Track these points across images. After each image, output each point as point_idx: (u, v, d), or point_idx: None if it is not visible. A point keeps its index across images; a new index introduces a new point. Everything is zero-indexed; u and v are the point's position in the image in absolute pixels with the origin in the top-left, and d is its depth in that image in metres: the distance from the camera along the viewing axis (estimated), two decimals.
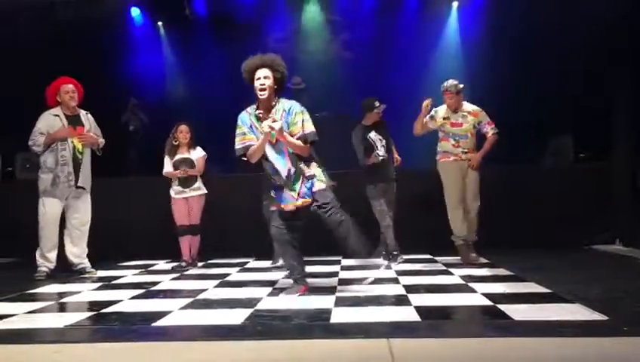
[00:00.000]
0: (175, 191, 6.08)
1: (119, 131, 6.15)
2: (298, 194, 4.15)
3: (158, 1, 9.05)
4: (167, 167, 6.13)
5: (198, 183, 6.13)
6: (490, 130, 5.79)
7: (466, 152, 5.78)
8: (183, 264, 6.05)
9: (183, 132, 6.12)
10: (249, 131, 4.20)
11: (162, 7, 9.18)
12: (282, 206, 4.21)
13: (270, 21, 9.27)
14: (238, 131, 4.23)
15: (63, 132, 5.55)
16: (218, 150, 6.90)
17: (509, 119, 8.06)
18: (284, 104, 4.18)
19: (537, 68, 7.94)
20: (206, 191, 6.19)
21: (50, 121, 5.58)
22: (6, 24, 7.66)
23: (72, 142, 5.58)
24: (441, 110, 5.85)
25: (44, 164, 5.57)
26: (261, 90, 4.07)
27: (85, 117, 5.75)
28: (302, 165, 4.17)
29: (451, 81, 5.77)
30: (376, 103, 6.01)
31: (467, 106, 5.85)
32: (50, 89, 5.68)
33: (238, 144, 4.23)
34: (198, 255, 6.27)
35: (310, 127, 4.14)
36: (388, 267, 5.65)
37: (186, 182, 6.07)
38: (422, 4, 8.94)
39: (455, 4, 9.08)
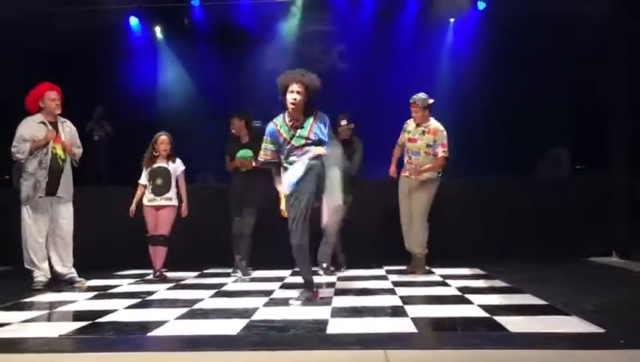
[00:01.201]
0: (147, 198, 5.96)
1: (117, 138, 6.13)
2: None
3: (156, 10, 9.08)
4: (144, 178, 6.01)
5: (171, 193, 5.96)
6: (440, 152, 5.75)
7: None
8: (157, 274, 5.95)
9: (163, 143, 5.98)
10: (271, 144, 4.45)
11: (160, 16, 9.24)
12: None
13: (268, 31, 9.32)
14: (263, 144, 4.53)
15: (50, 135, 5.42)
16: (215, 158, 6.92)
17: (506, 131, 8.14)
18: (317, 115, 4.40)
19: (534, 80, 8.00)
20: (176, 204, 6.00)
21: (34, 129, 5.43)
22: (5, 33, 7.66)
23: (54, 148, 5.46)
24: (409, 124, 5.91)
25: (27, 169, 5.43)
26: (292, 103, 4.30)
27: (62, 125, 5.61)
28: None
29: (421, 95, 5.79)
30: (343, 122, 6.08)
31: (431, 123, 5.81)
32: (33, 95, 5.52)
33: (260, 157, 4.60)
34: (164, 267, 6.04)
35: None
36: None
37: (159, 190, 5.94)
38: (419, 16, 9.00)
39: (451, 19, 9.15)
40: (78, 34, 8.41)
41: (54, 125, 5.55)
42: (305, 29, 9.40)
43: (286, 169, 4.40)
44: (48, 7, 8.21)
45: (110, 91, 8.37)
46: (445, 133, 5.77)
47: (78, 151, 5.71)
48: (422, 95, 5.78)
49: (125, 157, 7.06)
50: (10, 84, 7.54)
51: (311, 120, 4.35)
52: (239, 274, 6.01)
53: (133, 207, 5.97)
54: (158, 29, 9.54)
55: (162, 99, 9.31)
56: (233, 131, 6.18)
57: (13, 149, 5.44)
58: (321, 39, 9.49)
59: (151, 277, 6.06)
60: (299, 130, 4.33)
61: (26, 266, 5.55)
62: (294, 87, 4.27)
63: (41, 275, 5.44)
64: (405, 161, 5.88)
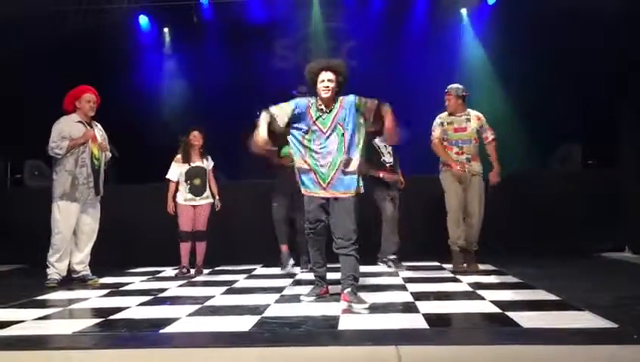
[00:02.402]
0: (184, 198, 6.07)
1: (128, 137, 6.16)
2: (328, 184, 4.22)
3: (165, 9, 9.10)
4: (173, 174, 6.09)
5: (207, 192, 6.15)
6: (490, 135, 5.78)
7: (469, 159, 5.72)
8: (184, 270, 6.05)
9: (196, 138, 6.12)
10: (289, 111, 4.28)
11: (169, 14, 9.25)
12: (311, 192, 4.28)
13: (277, 28, 9.32)
14: (283, 104, 4.33)
15: (88, 134, 5.52)
16: (225, 157, 6.93)
17: (518, 125, 8.10)
18: (342, 102, 4.32)
19: (544, 75, 7.94)
20: (212, 200, 6.19)
21: (72, 127, 5.52)
22: (14, 32, 7.71)
23: (92, 147, 5.56)
24: (446, 117, 5.82)
25: (64, 166, 5.48)
26: (324, 90, 4.25)
27: (97, 128, 5.73)
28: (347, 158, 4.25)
29: (456, 85, 5.79)
30: None
31: (469, 111, 5.82)
32: (72, 95, 5.61)
33: (271, 109, 4.30)
34: (204, 262, 6.23)
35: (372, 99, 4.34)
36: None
37: (198, 190, 6.07)
38: (430, 11, 8.97)
39: (464, 11, 9.11)
40: (87, 32, 8.46)
41: (89, 126, 5.64)
42: (315, 26, 9.39)
43: (305, 148, 4.29)
44: (56, 6, 8.26)
45: (119, 90, 8.38)
46: None
47: (108, 155, 5.82)
48: (457, 85, 5.79)
49: (136, 155, 7.09)
50: (19, 82, 7.62)
51: (337, 106, 4.30)
52: (290, 264, 5.89)
53: (171, 203, 6.07)
54: (167, 29, 9.56)
55: (171, 97, 9.32)
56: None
57: (52, 144, 5.47)
58: (331, 36, 9.48)
59: (166, 274, 6.10)
60: (325, 115, 4.28)
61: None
62: (326, 75, 4.24)
63: (55, 273, 5.48)
64: (454, 153, 5.73)
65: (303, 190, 4.33)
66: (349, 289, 4.04)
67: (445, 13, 9.05)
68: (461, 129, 5.75)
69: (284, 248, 5.98)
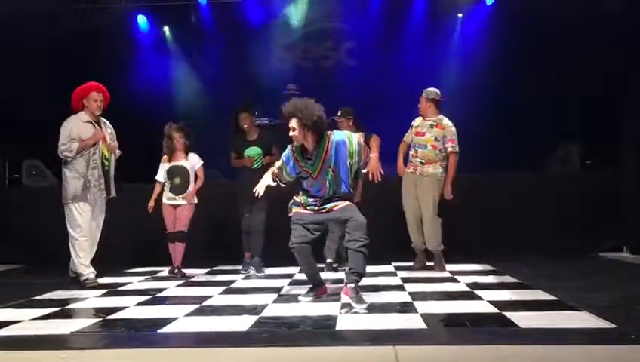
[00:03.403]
0: (166, 197, 6.01)
1: (126, 137, 6.15)
2: (318, 209, 4.31)
3: (164, 8, 9.10)
4: (160, 174, 6.05)
5: (189, 195, 6.01)
6: (449, 147, 5.73)
7: (423, 163, 5.77)
8: (174, 270, 5.99)
9: (176, 137, 5.99)
10: (285, 167, 4.44)
11: (168, 14, 9.25)
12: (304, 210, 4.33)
13: (275, 28, 9.32)
14: (279, 165, 4.50)
15: (98, 135, 5.46)
16: (223, 156, 6.92)
17: (516, 126, 8.10)
18: (329, 142, 4.26)
19: (543, 75, 7.95)
20: (196, 202, 6.06)
21: (81, 127, 5.43)
22: (12, 31, 7.71)
23: (101, 148, 5.49)
24: (417, 120, 5.93)
25: (74, 168, 5.40)
26: (294, 138, 4.28)
27: (105, 125, 5.64)
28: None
29: (431, 89, 5.84)
30: (338, 113, 6.02)
31: (442, 118, 5.81)
32: (79, 92, 5.51)
33: (274, 172, 4.51)
34: (182, 263, 6.05)
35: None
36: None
37: (177, 189, 5.99)
38: (428, 11, 8.97)
39: (462, 11, 9.12)
40: (86, 32, 8.45)
41: (98, 125, 5.55)
42: (313, 26, 9.39)
43: (303, 190, 4.39)
44: (55, 5, 8.25)
45: (118, 89, 8.37)
46: (455, 129, 5.76)
47: (117, 153, 5.75)
48: (432, 89, 5.82)
49: (135, 155, 7.08)
50: (17, 82, 7.62)
51: (324, 146, 4.25)
52: (251, 270, 5.96)
53: (151, 203, 6.02)
54: (166, 28, 9.56)
55: (170, 96, 9.32)
56: (245, 127, 6.05)
57: (62, 147, 5.38)
58: (329, 36, 9.48)
59: (164, 274, 6.10)
60: (312, 160, 4.28)
61: (74, 271, 5.47)
62: (290, 123, 4.23)
63: (90, 272, 5.43)
64: (410, 156, 5.86)
65: (294, 210, 4.38)
66: (352, 285, 4.04)
67: (443, 13, 9.06)
68: (421, 133, 5.82)
69: (247, 255, 6.08)
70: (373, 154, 4.58)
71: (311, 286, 4.52)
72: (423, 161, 5.78)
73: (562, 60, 7.82)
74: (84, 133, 5.43)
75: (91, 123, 5.50)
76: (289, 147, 4.45)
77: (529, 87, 8.02)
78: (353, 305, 3.93)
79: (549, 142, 7.83)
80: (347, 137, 4.29)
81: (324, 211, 4.29)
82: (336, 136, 4.30)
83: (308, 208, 4.33)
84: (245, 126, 6.07)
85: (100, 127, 5.56)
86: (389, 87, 8.48)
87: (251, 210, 5.97)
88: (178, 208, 6.00)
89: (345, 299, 4.01)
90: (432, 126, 5.77)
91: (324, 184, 4.27)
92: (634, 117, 6.94)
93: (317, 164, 4.26)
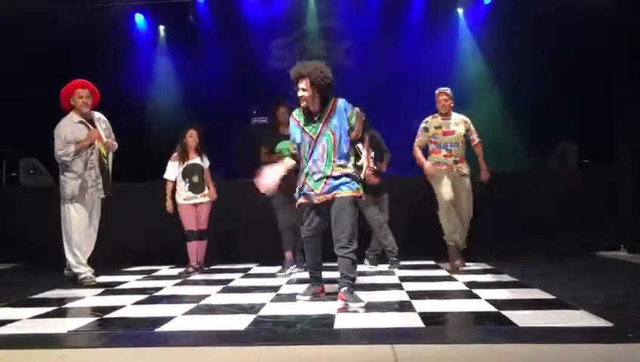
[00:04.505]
0: (184, 197, 6.02)
1: (124, 136, 6.13)
2: (321, 190, 4.20)
3: (161, 7, 9.08)
4: (171, 173, 6.07)
5: (207, 190, 6.10)
6: (476, 138, 5.90)
7: (457, 161, 5.81)
8: (190, 269, 6.01)
9: (192, 136, 6.09)
10: (292, 138, 4.38)
11: (166, 13, 9.23)
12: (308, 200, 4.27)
13: (273, 26, 9.31)
14: (287, 143, 4.51)
15: (93, 135, 5.40)
16: (221, 155, 6.92)
17: (514, 124, 8.11)
18: (333, 106, 4.26)
19: (540, 74, 7.96)
20: (212, 198, 6.14)
21: (74, 129, 5.38)
22: (9, 31, 7.69)
23: (98, 147, 5.45)
24: (433, 120, 5.89)
25: (72, 169, 5.37)
26: (301, 100, 4.25)
27: (99, 121, 5.58)
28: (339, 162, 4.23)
29: (447, 88, 5.89)
30: None
31: (456, 115, 5.91)
32: (65, 91, 5.46)
33: (291, 151, 4.45)
34: (204, 260, 6.20)
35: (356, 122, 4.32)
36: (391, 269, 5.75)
37: (196, 188, 6.04)
38: (426, 10, 8.97)
39: (460, 10, 9.12)
40: (82, 31, 8.43)
41: (91, 123, 5.50)
42: (311, 25, 9.39)
43: (303, 170, 4.30)
44: (52, 4, 8.23)
45: (114, 88, 8.37)
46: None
47: (114, 144, 5.68)
48: (448, 88, 5.89)
49: (132, 154, 7.09)
50: (14, 81, 7.59)
51: (328, 110, 4.24)
52: (291, 269, 5.79)
53: (169, 203, 6.03)
54: (162, 27, 9.54)
55: (167, 95, 9.31)
56: (280, 120, 5.80)
57: (58, 152, 5.35)
58: (327, 35, 9.47)
59: (162, 273, 6.09)
60: (315, 123, 4.24)
61: (69, 270, 5.48)
62: (300, 84, 4.20)
63: (87, 271, 5.43)
64: (442, 156, 5.80)
65: (300, 199, 4.32)
66: (345, 288, 4.05)
67: (442, 12, 9.06)
68: (449, 132, 5.84)
69: (288, 255, 5.88)
70: (365, 153, 4.59)
71: (309, 284, 4.51)
72: (457, 158, 5.81)
73: (560, 60, 7.82)
74: (79, 134, 5.40)
75: (83, 123, 5.44)
76: (292, 116, 4.38)
77: (527, 87, 8.02)
78: (350, 305, 3.94)
79: (547, 141, 7.84)
80: (350, 105, 4.31)
81: (327, 195, 4.17)
82: (340, 102, 4.28)
83: (311, 192, 4.21)
84: (279, 117, 5.87)
85: (94, 124, 5.50)
86: (387, 87, 8.48)
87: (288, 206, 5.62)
88: (199, 206, 6.04)
89: (341, 304, 4.01)
90: (456, 123, 5.84)
91: (323, 147, 4.19)
92: (632, 116, 6.95)
93: (319, 126, 4.22)
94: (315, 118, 4.25)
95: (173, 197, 6.05)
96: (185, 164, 6.04)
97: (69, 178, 5.39)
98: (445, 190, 5.73)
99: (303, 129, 4.28)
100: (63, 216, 5.44)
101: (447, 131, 5.83)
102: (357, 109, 4.33)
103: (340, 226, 4.10)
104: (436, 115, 5.90)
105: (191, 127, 6.18)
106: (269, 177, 4.34)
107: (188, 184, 6.02)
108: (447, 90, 5.87)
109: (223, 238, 6.79)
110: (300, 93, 4.20)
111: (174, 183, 6.08)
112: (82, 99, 5.43)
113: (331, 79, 4.21)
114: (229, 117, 8.63)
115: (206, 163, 6.17)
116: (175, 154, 6.10)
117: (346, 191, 4.17)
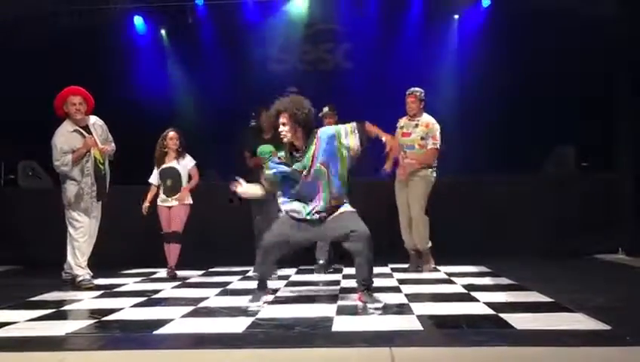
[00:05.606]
0: (160, 199, 6.02)
1: (124, 138, 6.13)
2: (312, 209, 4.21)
3: (160, 9, 9.09)
4: (154, 177, 6.06)
5: (183, 193, 6.01)
6: (430, 143, 5.77)
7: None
8: (169, 271, 6.01)
9: (172, 139, 6.01)
10: (274, 177, 4.32)
11: (165, 15, 9.24)
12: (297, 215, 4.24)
13: (272, 29, 9.31)
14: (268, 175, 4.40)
15: (89, 143, 5.38)
16: (220, 156, 6.92)
17: (511, 128, 8.12)
18: (317, 138, 4.21)
19: (539, 77, 7.97)
20: (190, 202, 6.06)
21: (70, 138, 5.37)
22: (8, 33, 7.69)
23: (93, 154, 5.43)
24: (401, 120, 5.94)
25: (70, 176, 5.37)
26: (283, 136, 4.23)
27: (94, 126, 5.55)
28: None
29: (419, 89, 5.87)
30: (324, 109, 5.93)
31: (423, 117, 5.85)
32: (58, 99, 5.43)
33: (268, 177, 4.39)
34: (176, 263, 6.06)
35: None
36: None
37: (169, 191, 5.99)
38: (425, 12, 8.98)
39: (458, 13, 9.13)
40: (81, 33, 8.43)
41: (86, 129, 5.47)
42: (310, 28, 9.39)
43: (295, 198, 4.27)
44: (50, 6, 8.23)
45: (114, 91, 8.37)
46: (438, 126, 5.80)
47: (112, 146, 5.67)
48: (419, 88, 5.86)
49: (131, 156, 7.09)
50: (13, 82, 7.59)
51: (314, 142, 4.19)
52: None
53: (145, 204, 6.02)
54: (162, 29, 9.54)
55: (166, 98, 9.30)
56: (263, 125, 5.83)
57: (56, 163, 5.34)
58: (327, 38, 9.48)
59: (160, 275, 6.08)
60: (301, 157, 4.19)
61: (67, 273, 5.50)
62: (280, 120, 4.18)
63: (86, 273, 5.41)
64: (400, 158, 5.83)
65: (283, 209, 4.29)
66: (363, 289, 4.15)
67: (440, 14, 9.07)
68: (407, 134, 5.85)
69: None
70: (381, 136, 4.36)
71: (256, 291, 4.40)
72: (412, 161, 5.79)
73: (559, 62, 7.83)
74: (74, 143, 5.38)
75: (78, 131, 5.41)
76: (273, 159, 4.33)
77: (525, 89, 8.03)
78: (369, 305, 4.02)
79: (546, 144, 7.85)
80: (335, 131, 4.23)
81: (317, 220, 4.18)
82: (323, 132, 4.25)
83: (301, 216, 4.20)
84: (263, 123, 5.87)
85: (89, 131, 5.48)
86: (387, 88, 8.48)
87: (263, 212, 5.75)
88: (172, 209, 6.01)
89: (359, 304, 4.11)
90: (416, 126, 5.81)
91: (319, 184, 4.18)
92: (631, 118, 6.96)
93: (307, 160, 4.17)
94: (301, 153, 4.20)
95: (153, 201, 6.03)
96: (161, 168, 6.01)
97: (68, 184, 5.41)
98: (399, 203, 5.91)
99: (290, 166, 4.21)
100: (67, 219, 5.45)
101: (405, 133, 5.85)
102: (350, 125, 4.24)
103: (350, 226, 4.10)
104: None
105: (170, 129, 6.09)
106: (248, 191, 4.47)
107: (163, 187, 6.01)
108: (417, 91, 5.82)
109: (220, 241, 6.79)
110: (281, 129, 4.19)
111: (158, 187, 6.07)
112: (75, 106, 5.38)
113: (309, 110, 4.18)
114: (227, 118, 8.63)
115: (190, 163, 6.09)
116: (156, 156, 6.06)
117: (345, 207, 4.24)
